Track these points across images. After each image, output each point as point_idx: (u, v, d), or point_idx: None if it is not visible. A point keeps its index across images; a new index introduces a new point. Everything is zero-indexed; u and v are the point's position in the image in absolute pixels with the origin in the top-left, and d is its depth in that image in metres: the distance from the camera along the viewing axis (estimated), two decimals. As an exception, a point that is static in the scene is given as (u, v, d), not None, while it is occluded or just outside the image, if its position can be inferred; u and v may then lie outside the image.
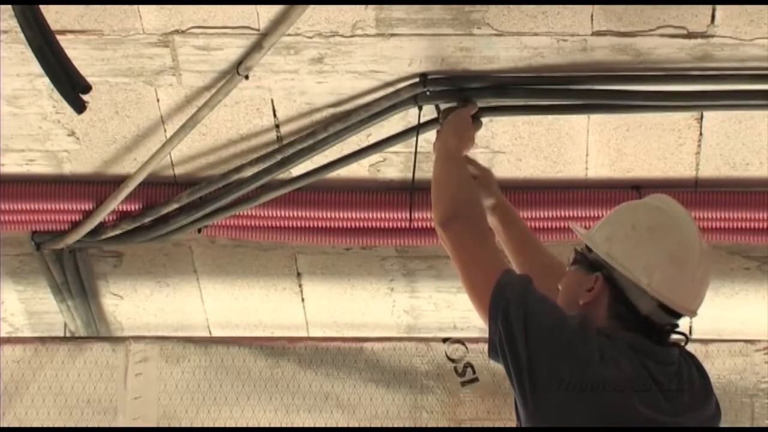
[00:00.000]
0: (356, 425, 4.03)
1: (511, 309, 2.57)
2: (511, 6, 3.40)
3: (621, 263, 2.59)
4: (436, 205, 3.01)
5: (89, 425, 4.06)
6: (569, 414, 2.48)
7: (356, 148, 3.81)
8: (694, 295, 2.63)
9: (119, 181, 3.92)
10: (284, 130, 3.82)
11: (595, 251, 2.64)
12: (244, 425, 4.05)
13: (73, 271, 4.25)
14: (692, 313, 2.63)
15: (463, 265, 2.82)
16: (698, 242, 2.63)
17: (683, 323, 2.67)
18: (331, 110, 3.74)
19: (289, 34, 3.49)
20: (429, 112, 3.61)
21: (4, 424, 4.07)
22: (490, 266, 2.72)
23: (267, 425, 4.04)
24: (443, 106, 3.56)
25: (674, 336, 2.64)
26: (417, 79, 3.59)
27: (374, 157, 3.86)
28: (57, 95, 3.27)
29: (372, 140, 3.80)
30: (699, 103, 3.58)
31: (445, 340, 4.09)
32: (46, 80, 3.14)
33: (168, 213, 4.01)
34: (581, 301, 2.63)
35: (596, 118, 3.72)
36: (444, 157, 3.20)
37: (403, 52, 3.54)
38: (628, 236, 2.61)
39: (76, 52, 3.53)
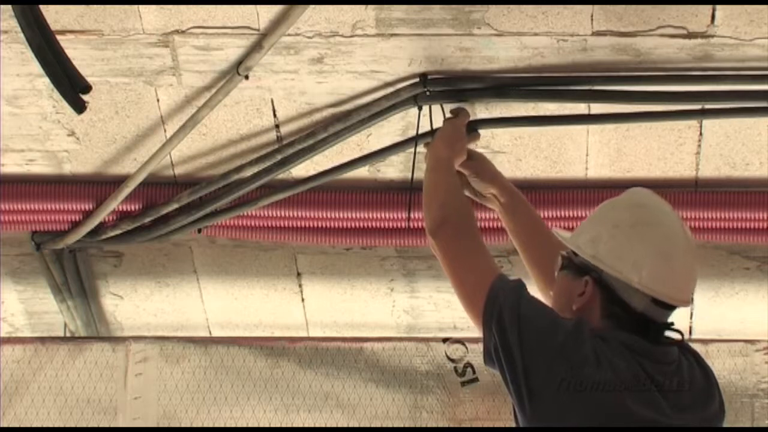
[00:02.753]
0: (356, 425, 4.03)
1: (505, 315, 2.57)
2: (511, 6, 3.40)
3: (609, 264, 2.59)
4: (426, 214, 3.02)
5: (89, 425, 4.06)
6: (566, 415, 2.48)
7: (356, 147, 3.82)
8: (685, 285, 2.63)
9: (119, 181, 3.92)
10: (284, 130, 3.82)
11: (581, 255, 2.64)
12: (244, 425, 4.04)
13: (73, 271, 4.25)
14: (686, 303, 2.63)
15: (454, 273, 2.82)
16: (681, 232, 2.64)
17: (683, 323, 2.67)
18: (331, 110, 3.74)
19: (289, 34, 3.49)
20: (428, 113, 3.61)
21: (4, 424, 4.07)
22: (481, 273, 2.72)
23: (267, 425, 4.04)
24: (447, 114, 3.55)
25: (671, 334, 2.64)
26: (417, 79, 3.59)
27: (374, 157, 3.87)
28: (57, 95, 3.27)
29: (372, 140, 3.80)
30: (699, 106, 3.57)
31: (445, 340, 4.09)
32: (46, 80, 3.14)
33: (168, 213, 4.01)
34: (574, 306, 2.63)
35: (596, 118, 3.73)
36: (433, 167, 3.18)
37: (403, 52, 3.54)
38: (612, 236, 2.61)
39: (76, 52, 3.53)
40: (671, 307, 2.62)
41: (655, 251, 2.58)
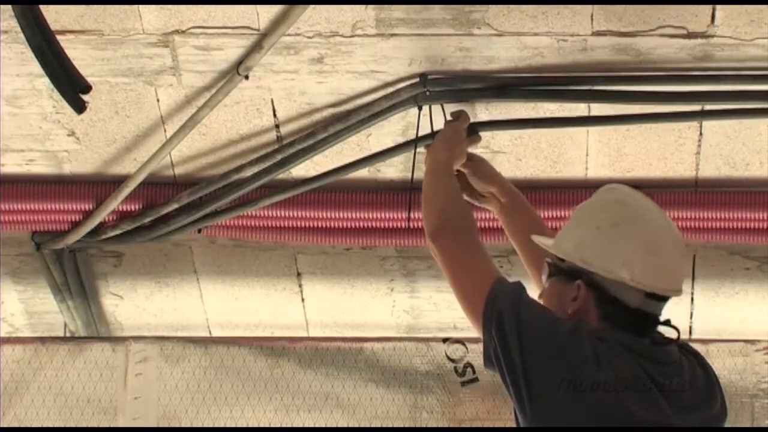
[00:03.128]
0: (356, 425, 4.03)
1: (504, 318, 2.57)
2: (511, 6, 3.40)
3: (599, 266, 2.59)
4: (425, 219, 3.01)
5: (89, 425, 4.06)
6: (567, 415, 2.48)
7: (356, 148, 3.82)
8: (676, 274, 2.64)
9: (119, 181, 3.92)
10: (284, 130, 3.82)
11: (569, 260, 2.64)
12: (244, 425, 4.05)
13: (73, 271, 4.25)
14: (679, 293, 2.64)
15: (454, 276, 2.82)
16: (664, 222, 2.64)
17: (683, 324, 2.67)
18: (331, 110, 3.74)
19: (289, 34, 3.49)
20: (428, 113, 3.61)
21: (4, 424, 4.07)
22: (481, 276, 2.71)
23: (267, 425, 4.04)
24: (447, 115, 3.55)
25: (668, 333, 2.64)
26: (417, 79, 3.59)
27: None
28: (57, 95, 3.28)
29: (372, 140, 3.80)
30: (699, 106, 3.57)
31: (445, 340, 4.09)
32: (46, 80, 3.14)
33: (168, 213, 4.01)
34: (569, 311, 2.63)
35: (596, 118, 3.73)
36: (433, 171, 3.17)
37: (403, 52, 3.54)
38: (596, 238, 2.61)
39: (76, 52, 3.53)
40: (665, 299, 2.62)
41: (643, 246, 2.59)
